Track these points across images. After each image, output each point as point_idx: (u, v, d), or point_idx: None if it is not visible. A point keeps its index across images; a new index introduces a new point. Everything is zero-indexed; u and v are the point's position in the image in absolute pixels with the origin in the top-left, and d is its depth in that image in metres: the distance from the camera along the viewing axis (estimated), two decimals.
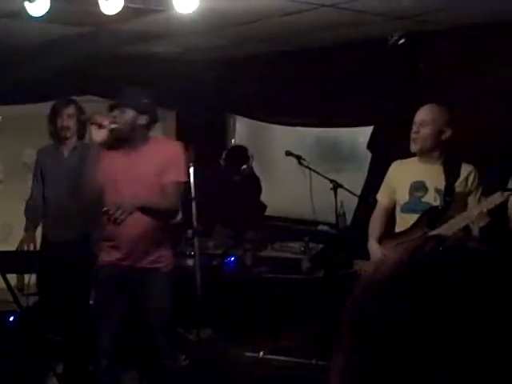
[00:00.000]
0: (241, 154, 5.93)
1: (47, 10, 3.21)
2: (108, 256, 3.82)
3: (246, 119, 6.65)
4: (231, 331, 4.75)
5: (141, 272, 3.76)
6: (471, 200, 3.68)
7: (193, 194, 3.69)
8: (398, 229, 3.88)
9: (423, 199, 3.75)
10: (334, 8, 3.90)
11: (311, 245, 5.23)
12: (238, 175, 5.86)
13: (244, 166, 5.85)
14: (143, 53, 5.59)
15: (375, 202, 4.06)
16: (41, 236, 4.65)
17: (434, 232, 3.63)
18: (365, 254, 3.97)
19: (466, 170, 3.70)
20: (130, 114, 3.69)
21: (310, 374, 4.21)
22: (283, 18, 4.22)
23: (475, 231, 3.47)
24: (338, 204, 4.69)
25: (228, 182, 5.87)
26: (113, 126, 3.66)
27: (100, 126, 3.65)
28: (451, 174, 3.69)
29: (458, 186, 3.68)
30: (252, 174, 5.96)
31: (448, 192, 3.67)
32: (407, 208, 3.81)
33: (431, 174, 3.73)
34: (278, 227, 5.92)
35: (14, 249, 4.44)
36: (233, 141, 6.82)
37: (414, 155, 3.80)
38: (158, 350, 3.86)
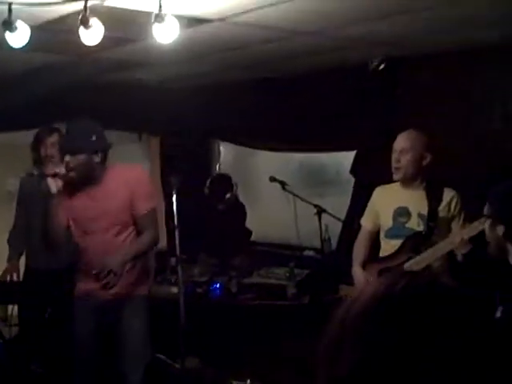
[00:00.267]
0: (224, 182, 5.91)
1: (27, 41, 3.20)
2: (84, 285, 3.75)
3: (230, 144, 6.65)
4: (217, 359, 4.70)
5: (117, 299, 3.69)
6: (454, 225, 3.69)
7: (176, 223, 3.67)
8: (382, 253, 3.88)
9: (407, 225, 3.77)
10: (315, 35, 3.93)
11: (296, 270, 5.20)
12: (223, 204, 5.84)
13: (228, 195, 5.83)
14: (125, 80, 5.60)
15: (359, 226, 4.07)
16: (24, 265, 4.61)
17: (418, 257, 3.64)
18: (350, 279, 3.96)
19: (448, 194, 3.72)
20: (82, 156, 3.54)
21: None
22: (264, 45, 4.25)
23: (459, 257, 3.49)
24: (323, 229, 4.69)
25: (212, 210, 5.85)
26: (68, 173, 3.52)
27: (54, 176, 3.53)
28: (434, 199, 3.71)
29: (441, 210, 3.70)
30: (236, 201, 5.94)
31: (431, 217, 3.69)
32: (391, 234, 3.82)
33: (414, 200, 3.74)
34: (264, 253, 5.90)
35: None
36: (217, 166, 6.82)
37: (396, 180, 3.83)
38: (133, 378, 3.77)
